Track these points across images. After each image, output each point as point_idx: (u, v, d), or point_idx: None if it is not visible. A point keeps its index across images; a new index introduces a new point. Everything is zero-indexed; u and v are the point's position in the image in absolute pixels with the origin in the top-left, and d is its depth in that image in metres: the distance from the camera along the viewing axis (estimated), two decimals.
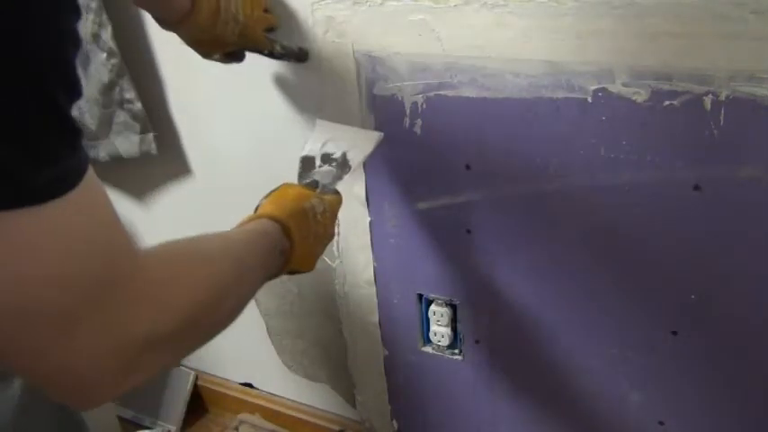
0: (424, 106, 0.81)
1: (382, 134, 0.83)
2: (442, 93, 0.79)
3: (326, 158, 0.80)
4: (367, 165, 0.89)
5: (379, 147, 0.83)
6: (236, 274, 0.50)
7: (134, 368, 0.39)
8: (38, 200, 0.31)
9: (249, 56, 0.94)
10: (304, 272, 0.68)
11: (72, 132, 0.33)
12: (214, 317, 0.46)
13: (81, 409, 0.43)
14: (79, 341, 0.35)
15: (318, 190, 0.75)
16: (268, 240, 0.58)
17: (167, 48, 0.98)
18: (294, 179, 0.79)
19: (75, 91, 0.32)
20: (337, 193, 0.76)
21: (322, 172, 0.79)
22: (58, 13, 0.31)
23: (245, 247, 0.55)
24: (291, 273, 0.67)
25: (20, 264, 0.31)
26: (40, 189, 0.31)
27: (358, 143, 0.81)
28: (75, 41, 0.32)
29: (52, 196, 0.31)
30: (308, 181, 0.78)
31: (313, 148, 0.82)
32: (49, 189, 0.31)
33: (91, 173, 0.34)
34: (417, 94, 0.81)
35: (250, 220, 0.63)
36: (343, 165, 0.79)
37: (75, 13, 0.31)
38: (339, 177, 0.79)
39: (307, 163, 0.81)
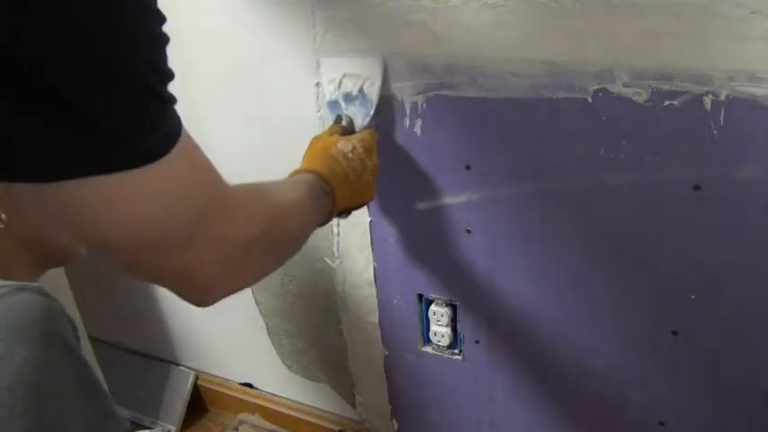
0: (424, 106, 0.81)
1: (381, 58, 0.81)
2: (442, 93, 0.79)
3: (348, 98, 0.84)
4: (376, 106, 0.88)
5: (387, 74, 0.82)
6: (292, 200, 0.63)
7: (239, 268, 0.51)
8: (152, 159, 0.40)
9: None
10: (366, 202, 0.80)
11: (169, 104, 0.42)
12: (287, 229, 0.60)
13: (203, 305, 0.53)
14: (196, 250, 0.46)
15: (358, 128, 0.82)
16: (309, 186, 0.68)
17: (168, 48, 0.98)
18: None
19: (167, 76, 0.42)
20: (370, 127, 0.83)
21: (350, 113, 0.83)
22: (153, 24, 0.41)
23: (292, 186, 0.67)
24: (355, 208, 0.78)
25: (148, 205, 0.42)
26: (152, 151, 0.41)
27: (368, 74, 0.82)
28: (164, 40, 0.42)
29: (163, 154, 0.41)
30: (336, 126, 0.82)
31: (333, 89, 0.85)
32: (158, 150, 0.41)
33: (184, 129, 0.44)
34: (417, 94, 0.81)
35: (290, 175, 0.71)
36: (364, 101, 0.83)
37: (162, 19, 0.41)
38: (368, 114, 0.83)
39: (333, 107, 0.85)
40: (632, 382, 0.84)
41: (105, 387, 0.46)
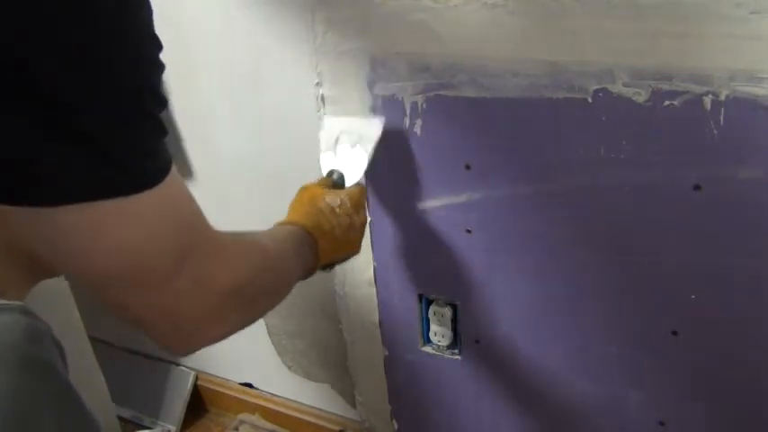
0: (424, 106, 0.81)
1: (383, 118, 0.83)
2: (442, 93, 0.79)
3: (343, 154, 0.85)
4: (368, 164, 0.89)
5: (385, 133, 0.83)
6: (279, 251, 0.62)
7: (224, 314, 0.50)
8: (148, 186, 0.40)
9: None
10: (351, 256, 0.80)
11: (163, 133, 0.42)
12: (273, 279, 0.59)
13: (181, 354, 0.52)
14: (177, 291, 0.45)
15: (349, 184, 0.83)
16: (293, 238, 0.68)
17: (167, 48, 0.98)
18: (298, 178, 0.80)
19: (163, 103, 0.42)
20: (360, 185, 0.83)
21: (342, 168, 0.84)
22: (153, 49, 0.41)
23: (277, 236, 0.66)
24: (339, 262, 0.78)
25: (137, 234, 0.41)
26: (149, 177, 0.41)
27: (365, 133, 0.84)
28: (161, 67, 0.42)
29: (157, 182, 0.41)
30: (327, 179, 0.83)
31: (329, 145, 0.86)
32: (155, 177, 0.41)
33: (173, 163, 0.44)
34: (417, 94, 0.81)
35: (275, 226, 0.71)
36: (358, 157, 0.83)
37: (160, 47, 0.42)
38: (359, 171, 0.83)
39: (327, 161, 0.86)
40: (632, 382, 0.84)
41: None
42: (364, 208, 0.81)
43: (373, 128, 0.83)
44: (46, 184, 0.38)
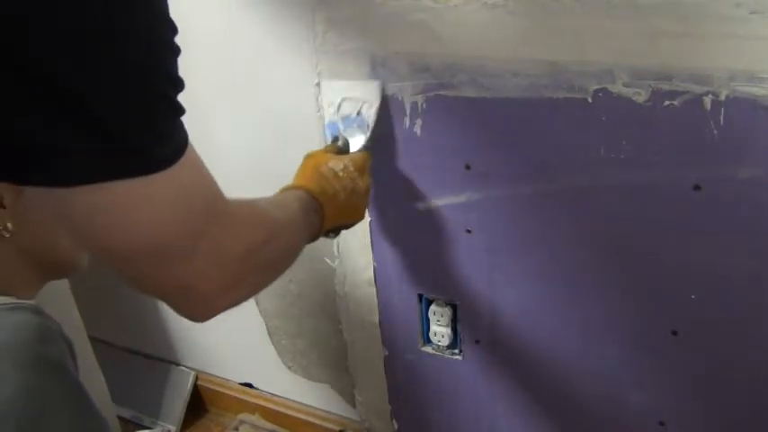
0: (424, 106, 0.81)
1: (380, 82, 0.83)
2: (441, 93, 0.79)
3: (347, 120, 0.85)
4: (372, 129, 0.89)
5: (386, 98, 0.83)
6: (287, 216, 0.64)
7: (237, 283, 0.52)
8: (163, 167, 0.41)
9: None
10: (355, 222, 0.80)
11: (178, 113, 0.43)
12: (282, 244, 0.61)
13: (200, 319, 0.53)
14: (196, 262, 0.47)
15: (353, 149, 0.83)
16: (300, 203, 0.69)
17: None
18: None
19: (178, 85, 0.43)
20: (365, 150, 0.83)
21: (347, 134, 0.84)
22: (169, 35, 0.41)
23: (286, 203, 0.68)
24: (344, 227, 0.79)
25: (156, 213, 0.43)
26: (164, 159, 0.41)
27: (367, 98, 0.84)
28: (177, 51, 0.42)
29: (174, 162, 0.42)
30: (332, 146, 0.83)
31: (332, 112, 0.86)
32: (169, 158, 0.42)
33: (189, 140, 0.45)
34: (417, 94, 0.81)
35: (281, 191, 0.72)
36: (362, 123, 0.84)
37: (175, 30, 0.42)
38: (364, 136, 0.84)
39: (332, 128, 0.87)
40: (632, 382, 0.84)
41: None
42: (368, 173, 0.81)
43: (374, 92, 0.83)
44: (61, 166, 0.38)
